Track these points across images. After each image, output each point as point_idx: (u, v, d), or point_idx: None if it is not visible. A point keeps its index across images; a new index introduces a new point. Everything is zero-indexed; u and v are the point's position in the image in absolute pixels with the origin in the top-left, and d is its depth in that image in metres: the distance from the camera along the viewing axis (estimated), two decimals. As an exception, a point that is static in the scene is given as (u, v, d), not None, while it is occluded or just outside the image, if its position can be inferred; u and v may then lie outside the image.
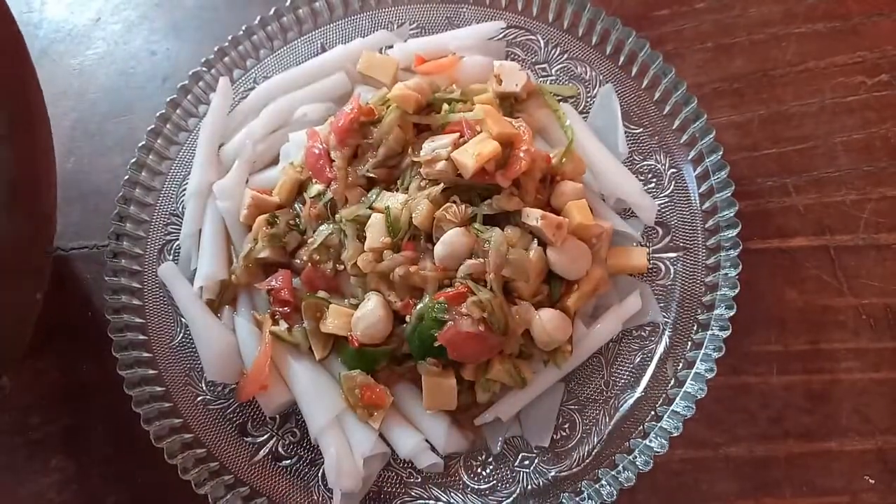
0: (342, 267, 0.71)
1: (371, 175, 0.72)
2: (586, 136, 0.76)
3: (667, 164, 0.76)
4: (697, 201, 0.74)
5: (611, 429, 0.68)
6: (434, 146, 0.69)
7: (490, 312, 0.64)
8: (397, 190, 0.71)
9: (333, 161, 0.73)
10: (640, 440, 0.66)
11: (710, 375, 0.66)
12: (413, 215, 0.68)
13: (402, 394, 0.70)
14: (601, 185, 0.76)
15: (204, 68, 0.83)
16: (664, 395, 0.68)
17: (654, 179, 0.76)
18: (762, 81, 0.85)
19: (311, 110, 0.80)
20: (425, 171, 0.69)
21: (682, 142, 0.75)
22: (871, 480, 0.70)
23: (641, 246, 0.75)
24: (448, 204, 0.68)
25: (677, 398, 0.66)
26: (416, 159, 0.70)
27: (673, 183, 0.76)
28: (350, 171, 0.72)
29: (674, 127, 0.76)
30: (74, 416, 0.79)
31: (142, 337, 0.73)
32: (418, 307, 0.66)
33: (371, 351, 0.68)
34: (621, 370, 0.71)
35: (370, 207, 0.70)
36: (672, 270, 0.73)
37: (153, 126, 0.80)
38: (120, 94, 0.95)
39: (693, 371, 0.67)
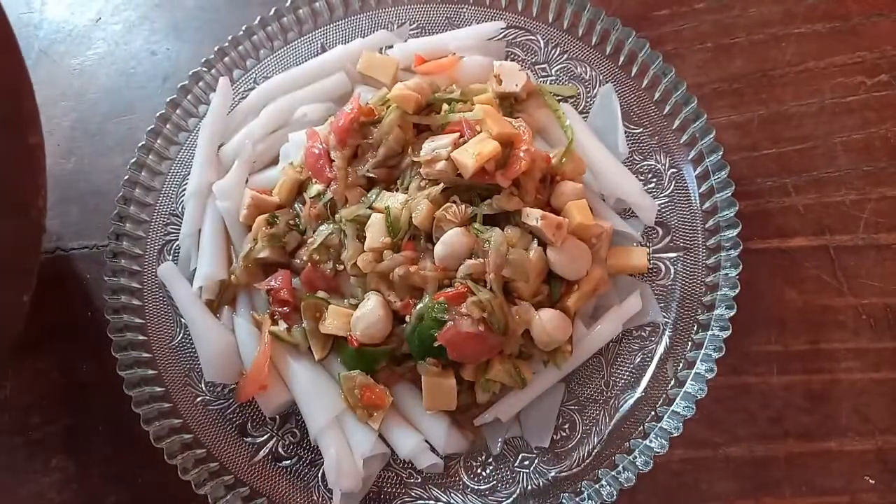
0: (342, 267, 0.71)
1: (371, 175, 0.72)
2: (586, 136, 0.76)
3: (667, 164, 0.76)
4: (697, 201, 0.74)
5: (611, 429, 0.68)
6: (434, 146, 0.69)
7: (490, 312, 0.64)
8: (397, 190, 0.71)
9: (333, 161, 0.72)
10: (640, 440, 0.66)
11: (710, 375, 0.66)
12: (413, 215, 0.68)
13: (402, 394, 0.70)
14: (601, 185, 0.76)
15: (204, 68, 0.83)
16: (664, 396, 0.68)
17: (654, 179, 0.76)
18: (762, 81, 0.85)
19: (311, 110, 0.80)
20: (425, 171, 0.69)
21: (682, 142, 0.75)
22: (870, 480, 0.70)
23: (641, 246, 0.75)
24: (448, 204, 0.68)
25: (677, 398, 0.66)
26: (416, 159, 0.70)
27: (673, 183, 0.76)
28: (350, 171, 0.72)
29: (674, 127, 0.76)
30: (74, 416, 0.79)
31: (141, 337, 0.73)
32: (418, 307, 0.66)
33: (371, 351, 0.68)
34: (621, 370, 0.71)
35: (370, 207, 0.70)
36: (672, 270, 0.73)
37: (153, 126, 0.80)
38: (120, 95, 0.95)
39: (693, 371, 0.67)
